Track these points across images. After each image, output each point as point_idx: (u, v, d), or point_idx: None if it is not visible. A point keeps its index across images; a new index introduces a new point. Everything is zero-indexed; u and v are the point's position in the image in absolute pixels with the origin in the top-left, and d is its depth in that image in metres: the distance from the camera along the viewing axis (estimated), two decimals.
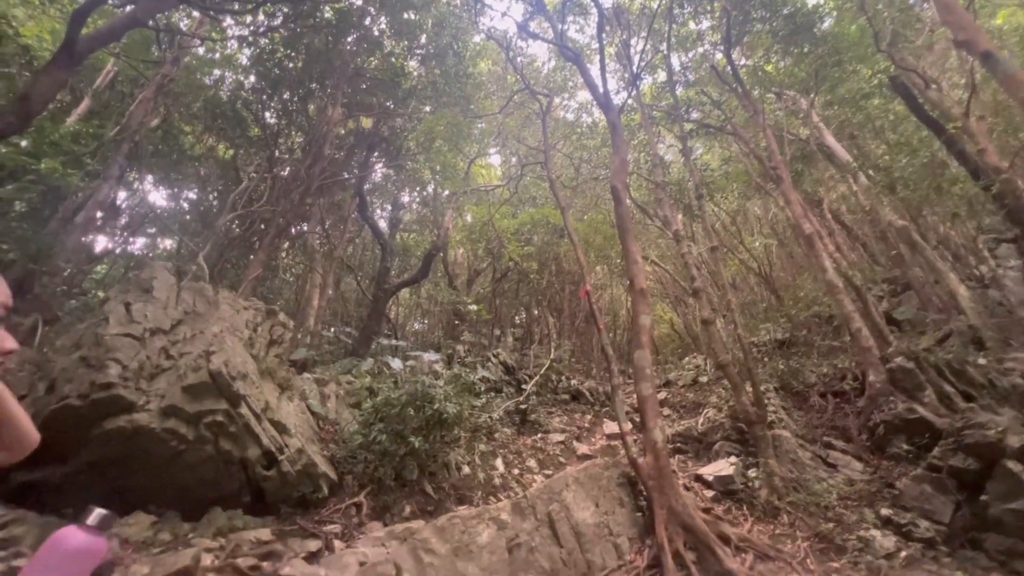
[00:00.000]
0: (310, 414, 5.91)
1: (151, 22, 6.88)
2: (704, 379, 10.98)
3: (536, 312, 16.49)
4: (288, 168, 11.98)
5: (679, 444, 7.55)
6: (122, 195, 12.48)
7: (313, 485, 4.90)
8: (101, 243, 12.16)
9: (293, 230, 13.02)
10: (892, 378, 6.70)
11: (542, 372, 10.54)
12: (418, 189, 16.88)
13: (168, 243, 14.54)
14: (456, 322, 14.37)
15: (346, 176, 12.79)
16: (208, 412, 4.27)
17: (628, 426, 5.89)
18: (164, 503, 4.16)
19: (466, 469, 6.25)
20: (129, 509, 3.90)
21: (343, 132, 12.73)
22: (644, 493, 5.31)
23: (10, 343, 0.80)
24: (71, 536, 0.79)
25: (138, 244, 13.96)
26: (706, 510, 5.41)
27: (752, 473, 6.01)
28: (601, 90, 8.15)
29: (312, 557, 3.96)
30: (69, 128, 9.32)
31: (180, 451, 4.13)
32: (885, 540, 4.78)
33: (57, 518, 3.51)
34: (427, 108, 12.65)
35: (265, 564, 3.56)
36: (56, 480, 3.86)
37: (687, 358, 13.69)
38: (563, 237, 14.13)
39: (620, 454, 6.53)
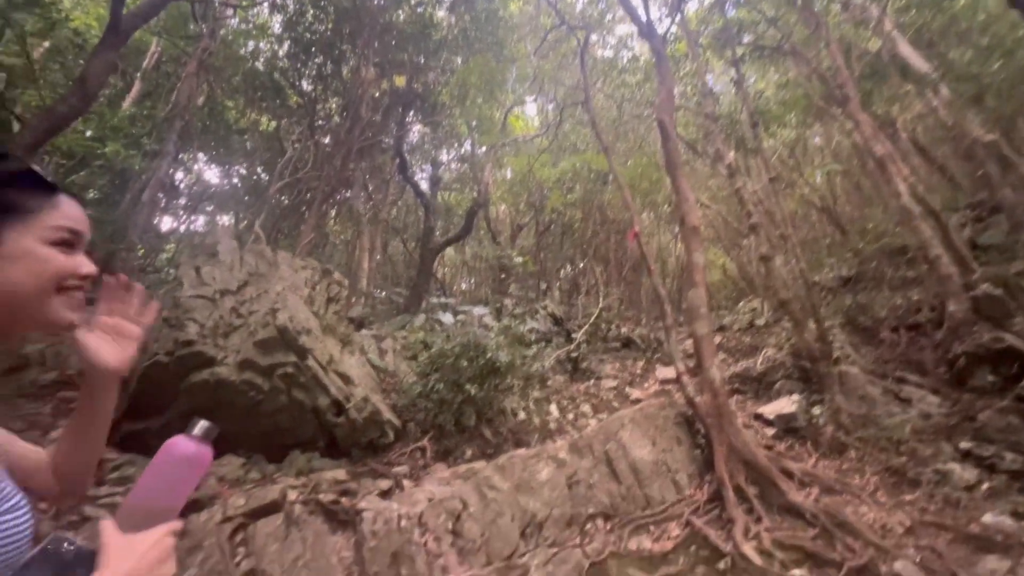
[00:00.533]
0: (371, 367, 6.22)
1: None
2: (760, 322, 10.57)
3: (581, 263, 16.29)
4: (328, 134, 12.14)
5: (737, 385, 7.38)
6: (179, 175, 13.15)
7: (379, 431, 5.20)
8: (166, 223, 13.00)
9: (338, 196, 13.33)
10: (976, 306, 6.16)
11: (591, 321, 10.49)
12: (456, 146, 16.72)
13: (225, 220, 15.31)
14: (502, 277, 14.46)
15: (384, 138, 12.82)
16: (279, 365, 4.56)
17: (683, 367, 5.80)
18: (251, 447, 4.55)
19: (522, 415, 6.42)
20: (221, 452, 4.30)
21: (378, 94, 12.66)
22: (702, 431, 5.27)
23: (87, 267, 0.78)
24: (181, 444, 0.83)
25: (199, 222, 14.79)
26: (767, 447, 5.33)
27: (816, 410, 5.80)
28: (643, 17, 7.56)
29: (384, 494, 4.24)
30: (125, 112, 9.79)
31: (258, 401, 4.47)
32: (965, 472, 4.53)
33: None
34: (459, 59, 12.30)
35: (344, 499, 3.85)
36: (157, 428, 4.29)
37: (742, 303, 13.19)
38: (606, 184, 13.68)
39: (675, 396, 6.49)
